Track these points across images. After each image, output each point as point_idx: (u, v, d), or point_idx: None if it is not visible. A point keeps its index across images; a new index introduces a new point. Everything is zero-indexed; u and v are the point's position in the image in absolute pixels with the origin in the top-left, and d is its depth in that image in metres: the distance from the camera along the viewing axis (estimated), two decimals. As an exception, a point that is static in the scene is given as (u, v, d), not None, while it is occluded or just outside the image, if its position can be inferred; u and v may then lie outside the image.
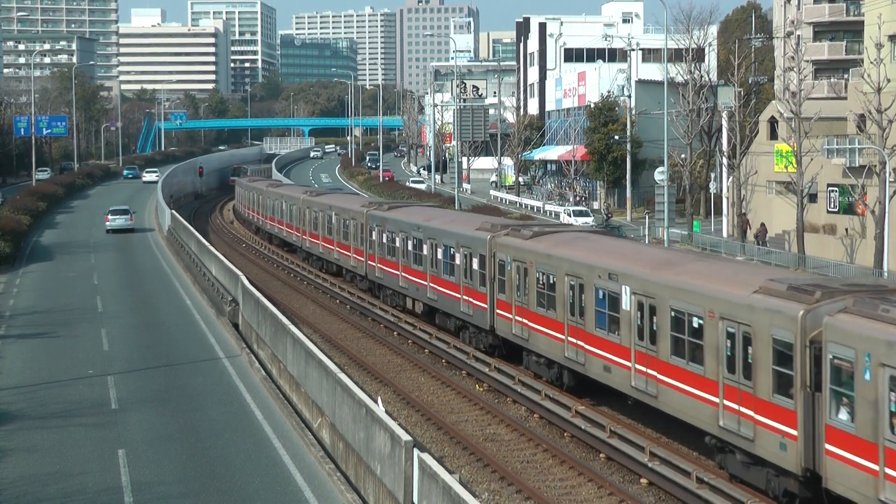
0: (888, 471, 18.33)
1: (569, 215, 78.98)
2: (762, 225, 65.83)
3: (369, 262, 47.36)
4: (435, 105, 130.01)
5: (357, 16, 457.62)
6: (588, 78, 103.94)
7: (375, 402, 24.55)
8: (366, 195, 67.33)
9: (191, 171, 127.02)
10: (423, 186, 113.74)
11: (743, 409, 22.21)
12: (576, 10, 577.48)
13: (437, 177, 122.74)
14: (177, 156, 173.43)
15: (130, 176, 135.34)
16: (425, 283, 40.63)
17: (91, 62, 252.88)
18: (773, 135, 67.60)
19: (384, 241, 45.00)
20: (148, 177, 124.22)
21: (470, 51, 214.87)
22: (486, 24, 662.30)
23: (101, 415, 29.86)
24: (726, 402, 22.70)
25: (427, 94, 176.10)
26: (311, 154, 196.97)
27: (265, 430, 28.16)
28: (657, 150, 75.94)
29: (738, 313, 22.34)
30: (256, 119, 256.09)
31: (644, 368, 25.85)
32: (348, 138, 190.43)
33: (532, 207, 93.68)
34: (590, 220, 76.64)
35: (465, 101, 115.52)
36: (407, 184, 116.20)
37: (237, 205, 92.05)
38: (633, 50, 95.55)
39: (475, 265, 35.76)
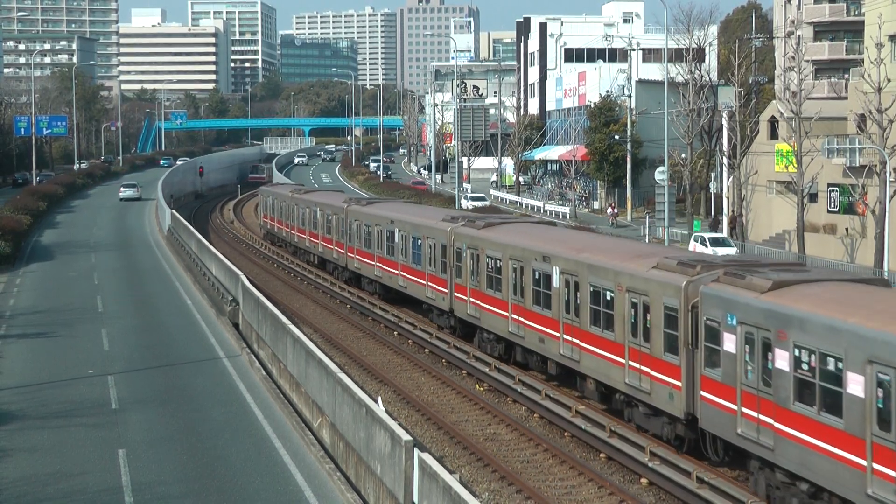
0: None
1: (703, 244, 58.41)
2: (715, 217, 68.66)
3: (667, 380, 25.25)
4: (435, 105, 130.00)
5: (357, 16, 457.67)
6: (588, 78, 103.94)
7: (375, 401, 24.54)
8: (635, 242, 38.15)
9: (191, 170, 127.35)
10: (487, 203, 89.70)
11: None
12: (576, 10, 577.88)
13: (438, 177, 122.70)
14: (177, 155, 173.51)
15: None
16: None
17: (91, 62, 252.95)
18: (774, 135, 67.59)
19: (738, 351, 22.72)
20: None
21: (470, 51, 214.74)
22: (487, 24, 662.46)
23: (102, 415, 29.85)
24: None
25: (427, 93, 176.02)
26: (296, 160, 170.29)
27: (265, 430, 28.16)
28: (657, 149, 75.94)
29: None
30: (257, 119, 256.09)
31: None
32: (349, 138, 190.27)
33: (532, 207, 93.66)
34: (732, 250, 56.91)
35: (465, 100, 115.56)
36: (465, 202, 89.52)
37: (267, 221, 73.82)
38: (634, 50, 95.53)
39: None
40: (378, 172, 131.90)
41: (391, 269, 45.66)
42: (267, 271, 61.67)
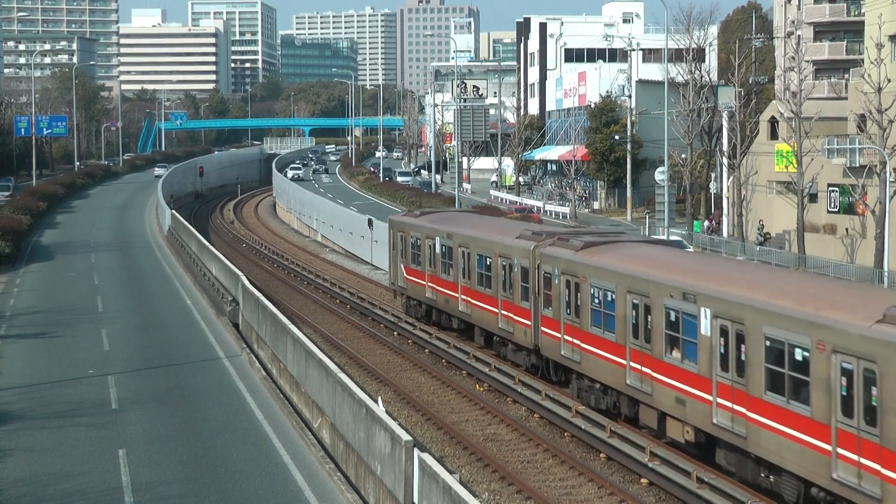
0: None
1: None
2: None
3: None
4: (435, 105, 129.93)
5: (357, 16, 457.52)
6: (588, 78, 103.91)
7: (376, 401, 24.54)
8: None
9: (191, 170, 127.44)
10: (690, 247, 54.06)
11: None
12: (576, 10, 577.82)
13: (438, 177, 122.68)
14: (177, 156, 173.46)
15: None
16: None
17: (91, 62, 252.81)
18: (774, 135, 67.56)
19: None
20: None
21: (470, 51, 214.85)
22: (487, 24, 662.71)
23: (102, 415, 29.85)
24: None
25: (427, 94, 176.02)
26: (290, 173, 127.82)
27: (265, 430, 28.15)
28: (658, 150, 75.90)
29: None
30: (257, 119, 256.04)
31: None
32: (349, 138, 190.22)
33: (532, 207, 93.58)
34: None
35: (465, 101, 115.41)
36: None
37: (425, 283, 41.13)
38: (634, 50, 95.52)
39: None
40: (425, 186, 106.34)
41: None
42: (267, 271, 61.68)
